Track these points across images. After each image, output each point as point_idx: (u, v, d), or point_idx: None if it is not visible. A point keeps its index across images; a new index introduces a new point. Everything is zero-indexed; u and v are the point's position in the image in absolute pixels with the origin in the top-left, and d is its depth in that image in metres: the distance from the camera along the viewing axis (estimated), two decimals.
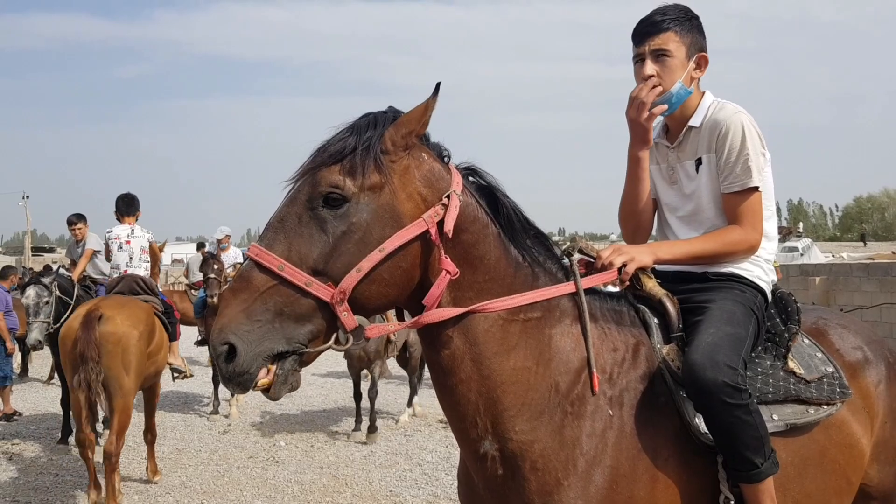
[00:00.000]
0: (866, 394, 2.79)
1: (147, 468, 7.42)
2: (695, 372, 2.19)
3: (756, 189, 2.52)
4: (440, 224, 2.07)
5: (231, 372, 1.93)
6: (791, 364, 2.56)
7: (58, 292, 8.72)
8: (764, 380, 2.46)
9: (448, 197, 2.10)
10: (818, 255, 33.36)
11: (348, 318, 1.99)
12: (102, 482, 6.29)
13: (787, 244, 43.27)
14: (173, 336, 7.67)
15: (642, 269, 2.45)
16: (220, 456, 8.21)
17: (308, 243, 2.00)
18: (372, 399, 8.99)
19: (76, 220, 9.39)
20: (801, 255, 32.87)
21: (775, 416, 2.43)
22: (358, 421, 9.09)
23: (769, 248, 2.64)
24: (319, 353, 2.02)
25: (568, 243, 2.39)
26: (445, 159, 2.24)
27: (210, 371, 10.90)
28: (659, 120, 2.69)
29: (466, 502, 2.49)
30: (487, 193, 2.28)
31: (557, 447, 2.16)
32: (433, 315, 2.10)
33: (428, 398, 11.42)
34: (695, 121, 2.61)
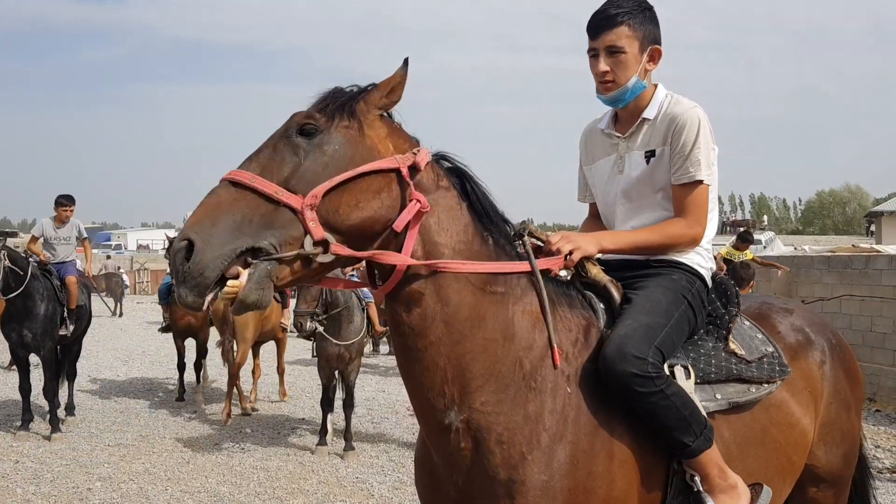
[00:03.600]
0: (808, 375, 2.87)
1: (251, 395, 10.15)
2: (606, 365, 2.25)
3: (702, 182, 2.56)
4: (412, 168, 2.13)
5: (186, 272, 1.84)
6: (732, 345, 2.64)
7: (7, 262, 8.33)
8: (707, 360, 2.54)
9: (418, 151, 2.18)
10: (781, 247, 34.05)
11: (316, 228, 1.96)
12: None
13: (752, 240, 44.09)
14: (284, 304, 9.99)
15: (587, 258, 2.49)
16: (185, 443, 8.16)
17: (280, 163, 2.02)
18: (347, 414, 7.87)
19: (67, 202, 9.27)
20: (765, 247, 33.49)
21: (718, 395, 2.51)
22: (323, 433, 7.88)
23: (708, 235, 2.69)
24: (295, 260, 1.95)
25: (518, 227, 2.41)
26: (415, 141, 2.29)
27: (176, 357, 10.81)
28: (608, 109, 2.75)
29: (422, 482, 2.50)
30: (457, 175, 2.32)
31: (522, 421, 2.19)
32: (398, 257, 2.09)
33: (395, 387, 11.46)
34: (649, 113, 2.63)
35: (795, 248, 28.63)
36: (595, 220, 2.92)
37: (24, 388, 8.46)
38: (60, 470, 7.24)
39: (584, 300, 2.50)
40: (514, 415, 2.19)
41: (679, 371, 2.43)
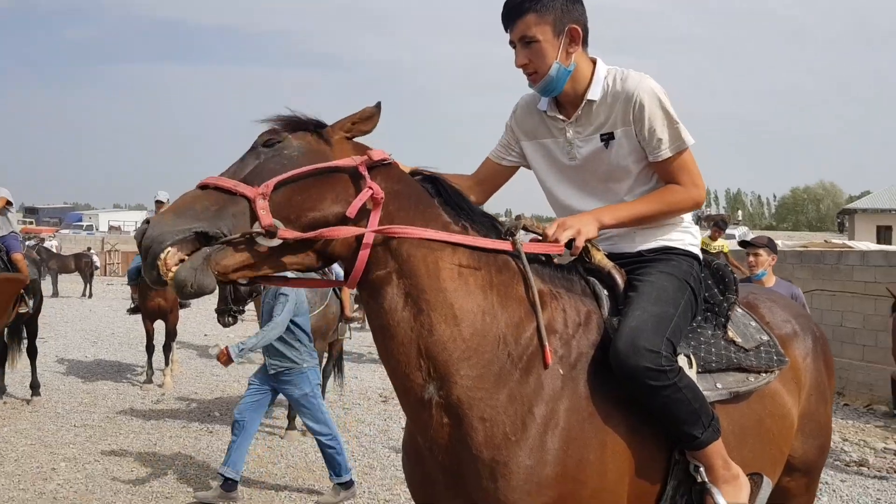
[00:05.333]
0: (795, 365, 2.85)
1: None
2: (619, 359, 2.20)
3: (687, 148, 2.50)
4: (371, 167, 2.15)
5: (142, 246, 1.93)
6: (730, 333, 2.59)
7: None
8: (707, 349, 2.48)
9: (377, 150, 2.22)
10: None
11: (265, 215, 1.98)
12: None
13: (726, 231, 44.55)
14: None
15: (590, 241, 2.42)
16: (152, 425, 8.04)
17: (243, 167, 2.11)
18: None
19: None
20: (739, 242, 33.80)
21: (719, 385, 2.46)
22: (291, 417, 7.87)
23: (688, 215, 2.65)
24: (237, 247, 1.97)
25: (510, 223, 2.35)
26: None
27: (144, 339, 10.66)
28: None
29: (411, 471, 2.44)
30: (429, 181, 2.32)
31: (507, 401, 2.13)
32: (342, 230, 2.07)
33: (367, 373, 11.41)
34: (593, 94, 2.50)
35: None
36: (479, 183, 2.78)
37: None
38: (25, 450, 7.12)
39: (588, 286, 2.44)
40: (497, 393, 2.13)
41: (682, 360, 2.37)
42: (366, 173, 2.12)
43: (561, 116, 2.58)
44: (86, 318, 18.96)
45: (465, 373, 2.12)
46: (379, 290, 2.14)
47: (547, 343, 2.20)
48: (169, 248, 1.90)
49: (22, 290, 8.52)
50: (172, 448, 7.25)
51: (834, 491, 6.40)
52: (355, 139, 2.26)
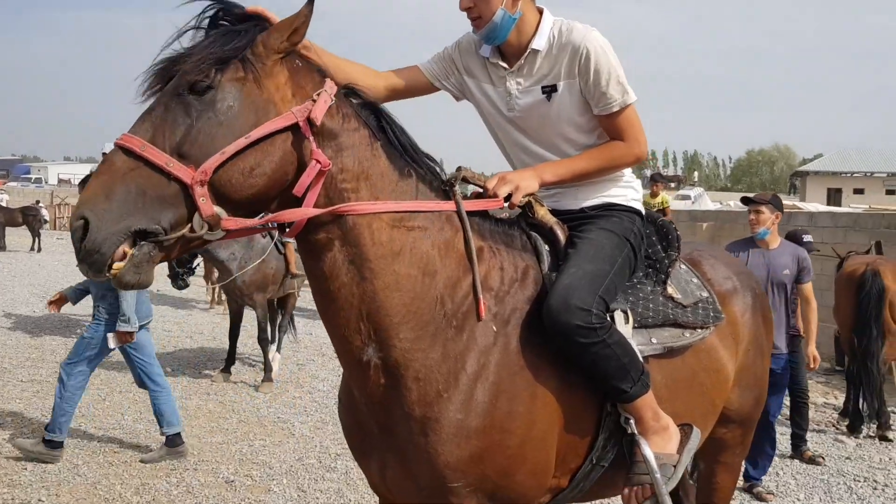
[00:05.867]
0: (734, 321, 2.91)
1: None
2: (551, 317, 2.21)
3: (634, 102, 2.48)
4: (312, 121, 2.01)
5: (83, 250, 1.83)
6: (670, 289, 2.62)
7: None
8: (645, 304, 2.51)
9: (319, 94, 2.03)
10: (708, 202, 34.93)
11: (205, 205, 1.88)
12: None
13: (681, 192, 45.23)
14: None
15: (532, 197, 2.42)
16: (101, 380, 7.93)
17: (172, 126, 1.91)
18: (263, 345, 8.18)
19: None
20: (693, 202, 34.25)
21: (654, 340, 2.50)
22: (229, 363, 8.35)
23: (628, 170, 2.65)
24: (177, 242, 1.90)
25: (454, 173, 2.32)
26: (323, 73, 2.14)
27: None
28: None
29: (346, 420, 2.46)
30: (372, 111, 2.21)
31: (440, 359, 2.15)
32: (296, 212, 2.01)
33: (320, 329, 11.29)
34: (537, 44, 2.45)
35: (721, 204, 29.39)
36: (390, 86, 2.61)
37: None
38: None
39: (530, 241, 2.43)
40: (432, 352, 2.15)
41: (619, 315, 2.41)
42: (310, 137, 2.00)
43: (503, 65, 2.54)
44: (34, 273, 18.58)
45: (403, 335, 2.13)
46: (320, 253, 2.10)
47: (482, 298, 2.20)
48: (116, 264, 1.84)
49: None
50: (122, 403, 7.18)
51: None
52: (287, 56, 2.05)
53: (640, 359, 2.36)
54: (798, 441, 6.36)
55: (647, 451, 2.33)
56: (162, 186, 1.87)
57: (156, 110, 1.94)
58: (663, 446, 2.38)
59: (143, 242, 1.86)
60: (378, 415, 2.23)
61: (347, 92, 2.18)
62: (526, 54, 2.49)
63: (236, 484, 5.35)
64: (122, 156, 1.90)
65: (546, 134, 2.55)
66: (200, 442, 6.20)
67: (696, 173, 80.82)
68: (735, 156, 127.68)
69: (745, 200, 6.11)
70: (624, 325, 2.40)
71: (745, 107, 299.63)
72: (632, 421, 2.35)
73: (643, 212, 2.67)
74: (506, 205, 2.36)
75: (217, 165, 1.88)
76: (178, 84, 1.93)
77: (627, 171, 2.66)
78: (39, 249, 25.31)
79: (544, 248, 2.41)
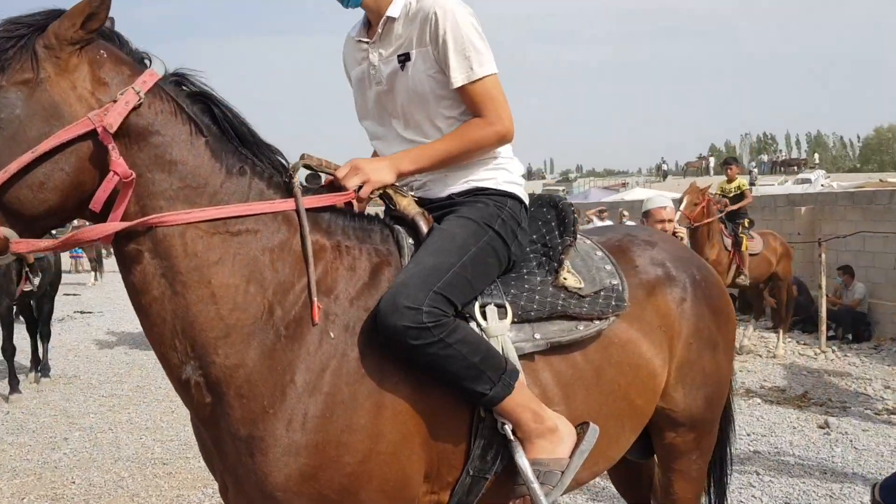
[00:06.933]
0: (665, 312, 2.59)
1: None
2: (379, 320, 1.99)
3: (490, 75, 2.24)
4: (109, 127, 1.82)
5: None
6: (565, 279, 2.34)
7: None
8: (529, 297, 2.26)
9: (123, 94, 1.84)
10: (819, 187, 33.01)
11: None
12: None
13: (801, 175, 42.96)
14: None
15: (392, 188, 2.23)
16: (174, 393, 8.13)
17: None
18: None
19: None
20: (812, 186, 32.47)
21: (537, 335, 2.24)
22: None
23: (508, 146, 2.38)
24: None
25: (296, 162, 2.14)
26: (146, 62, 1.98)
27: None
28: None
29: (196, 438, 2.33)
30: (200, 101, 2.02)
31: (266, 372, 1.96)
32: (93, 231, 1.86)
33: None
34: (393, 11, 2.27)
35: (823, 186, 27.68)
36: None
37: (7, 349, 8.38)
38: (45, 420, 7.31)
39: (392, 235, 2.23)
40: (257, 365, 1.96)
41: (491, 311, 2.18)
42: (110, 145, 1.81)
43: (366, 39, 2.37)
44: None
45: (222, 351, 1.95)
46: (130, 265, 1.94)
47: (315, 301, 2.00)
48: None
49: (26, 268, 8.30)
50: (187, 415, 7.28)
51: (850, 441, 6.07)
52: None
53: (503, 357, 2.12)
54: None
55: (522, 459, 2.10)
56: None
57: None
58: (551, 451, 2.13)
59: None
60: (211, 434, 2.07)
61: (178, 80, 2.01)
62: (383, 21, 2.30)
63: None
64: None
65: (413, 112, 2.33)
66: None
67: (816, 155, 76.20)
68: (863, 134, 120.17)
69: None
70: (498, 321, 2.17)
71: (868, 83, 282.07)
72: (508, 426, 2.11)
73: (520, 194, 2.39)
74: (354, 198, 2.15)
75: (1, 184, 1.74)
76: None
77: (504, 151, 2.39)
78: None
79: (408, 242, 2.20)
